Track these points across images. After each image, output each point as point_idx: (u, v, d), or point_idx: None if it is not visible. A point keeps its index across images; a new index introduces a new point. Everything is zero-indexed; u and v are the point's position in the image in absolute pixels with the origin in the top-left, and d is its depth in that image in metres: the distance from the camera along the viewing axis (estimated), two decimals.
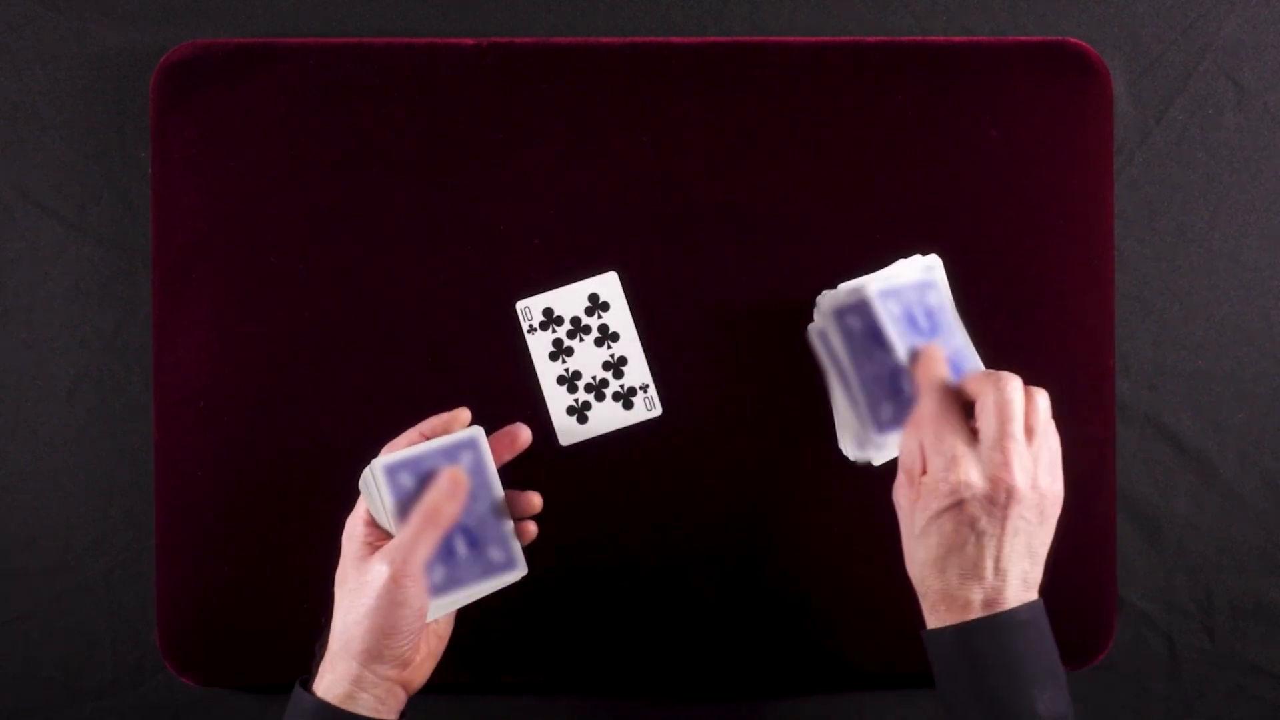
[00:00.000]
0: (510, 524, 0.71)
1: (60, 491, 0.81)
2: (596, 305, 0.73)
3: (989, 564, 0.64)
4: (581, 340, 0.72)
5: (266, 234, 0.78)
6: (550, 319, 0.72)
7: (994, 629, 0.64)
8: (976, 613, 0.64)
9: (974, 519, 0.64)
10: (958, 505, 0.64)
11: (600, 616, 0.79)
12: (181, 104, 0.78)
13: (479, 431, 0.70)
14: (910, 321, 0.72)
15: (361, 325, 0.78)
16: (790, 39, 0.79)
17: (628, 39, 0.78)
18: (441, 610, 0.69)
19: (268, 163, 0.78)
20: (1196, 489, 0.82)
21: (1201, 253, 0.82)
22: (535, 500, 0.72)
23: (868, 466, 0.77)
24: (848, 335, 0.73)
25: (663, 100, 0.78)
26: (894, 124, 0.78)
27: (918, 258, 0.77)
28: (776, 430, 0.78)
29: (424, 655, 0.70)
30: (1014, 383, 0.66)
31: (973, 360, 0.74)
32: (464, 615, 0.79)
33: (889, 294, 0.72)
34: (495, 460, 0.70)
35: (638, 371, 0.77)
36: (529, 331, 0.71)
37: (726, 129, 0.78)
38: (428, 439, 0.70)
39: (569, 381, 0.73)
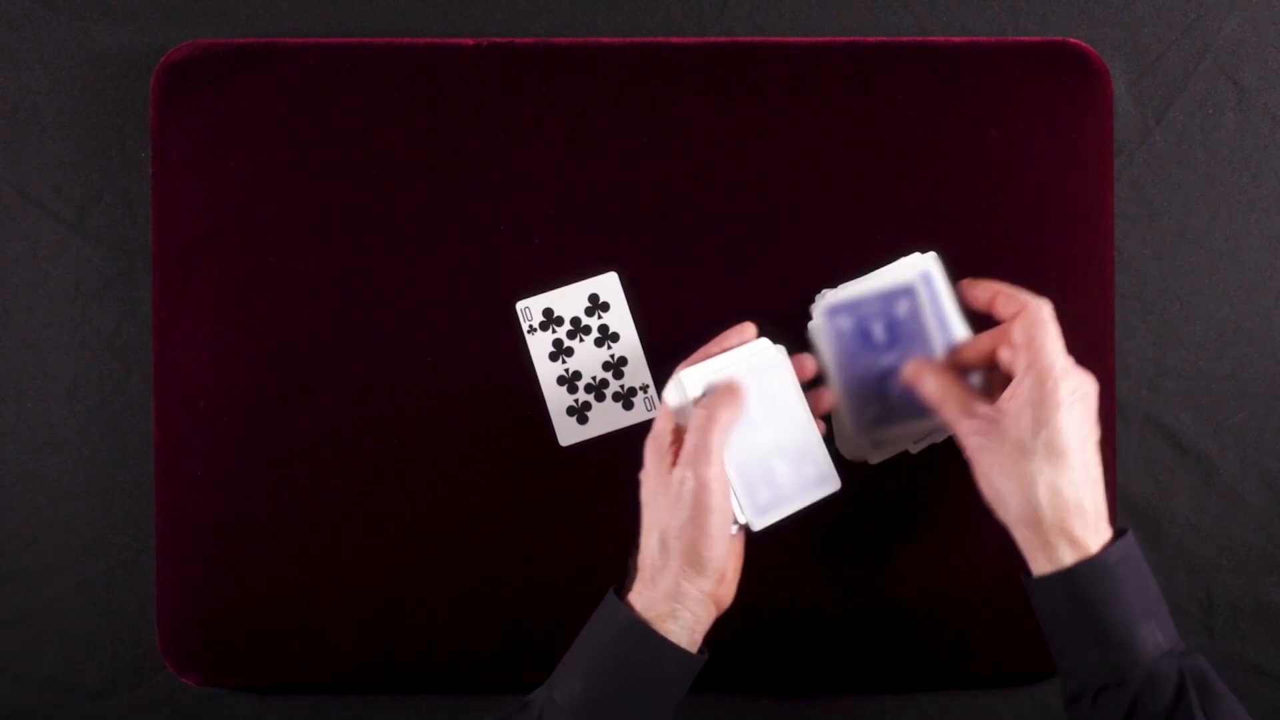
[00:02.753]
0: (820, 440, 0.71)
1: (60, 491, 0.81)
2: (596, 305, 0.73)
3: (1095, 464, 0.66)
4: (581, 340, 0.73)
5: (266, 234, 0.78)
6: (550, 319, 0.72)
7: (1102, 571, 0.64)
8: (1091, 534, 0.64)
9: (1087, 406, 0.65)
10: (1075, 398, 0.65)
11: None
12: (181, 104, 0.78)
13: (781, 351, 0.71)
14: (864, 337, 0.73)
15: (361, 325, 0.78)
16: (790, 39, 0.79)
17: (628, 39, 0.79)
18: (766, 523, 0.70)
19: (268, 163, 0.78)
20: (1196, 489, 0.82)
21: (1201, 253, 0.82)
22: (827, 399, 0.73)
23: (864, 465, 0.77)
24: (838, 335, 0.74)
25: (663, 100, 0.78)
26: (894, 124, 0.78)
27: (915, 256, 0.76)
28: None
29: (732, 572, 0.70)
30: (1046, 306, 0.67)
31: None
32: (469, 619, 0.79)
33: (840, 309, 0.73)
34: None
35: (638, 371, 0.77)
36: (529, 332, 0.71)
37: (727, 129, 0.78)
38: (724, 348, 0.71)
39: (569, 382, 0.73)
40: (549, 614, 0.78)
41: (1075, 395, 0.65)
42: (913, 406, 0.73)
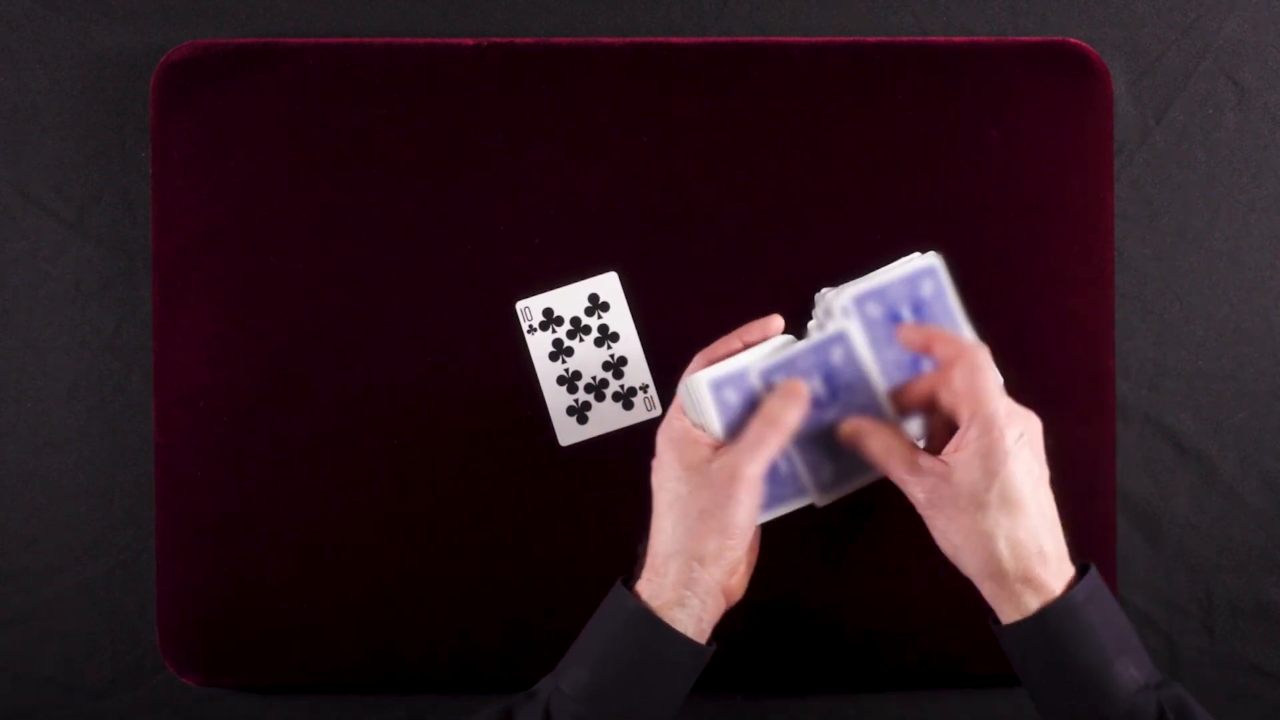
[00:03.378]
0: (890, 413, 0.70)
1: (60, 491, 0.81)
2: (596, 305, 0.73)
3: (1048, 507, 0.65)
4: (581, 340, 0.73)
5: (266, 234, 0.78)
6: (550, 319, 0.72)
7: (1071, 610, 0.63)
8: (1052, 574, 0.64)
9: (1034, 448, 0.65)
10: (1017, 441, 0.64)
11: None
12: (181, 104, 0.78)
13: (851, 326, 0.70)
14: (895, 322, 0.71)
15: (361, 325, 0.78)
16: (790, 39, 0.79)
17: (628, 39, 0.79)
18: (828, 500, 0.70)
19: (268, 163, 0.78)
20: (1196, 489, 0.82)
21: (1201, 253, 0.82)
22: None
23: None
24: (869, 324, 0.72)
25: (663, 100, 0.78)
26: (894, 124, 0.78)
27: (915, 256, 0.76)
28: None
29: (746, 565, 0.70)
30: (982, 351, 0.66)
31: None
32: (469, 619, 0.79)
33: (868, 297, 0.71)
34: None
35: (638, 371, 0.77)
36: (529, 331, 0.71)
37: (727, 129, 0.78)
38: (745, 343, 0.70)
39: (569, 381, 0.73)
40: (549, 614, 0.78)
41: (1021, 441, 0.64)
42: None
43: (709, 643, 0.68)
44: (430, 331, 0.78)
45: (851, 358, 0.70)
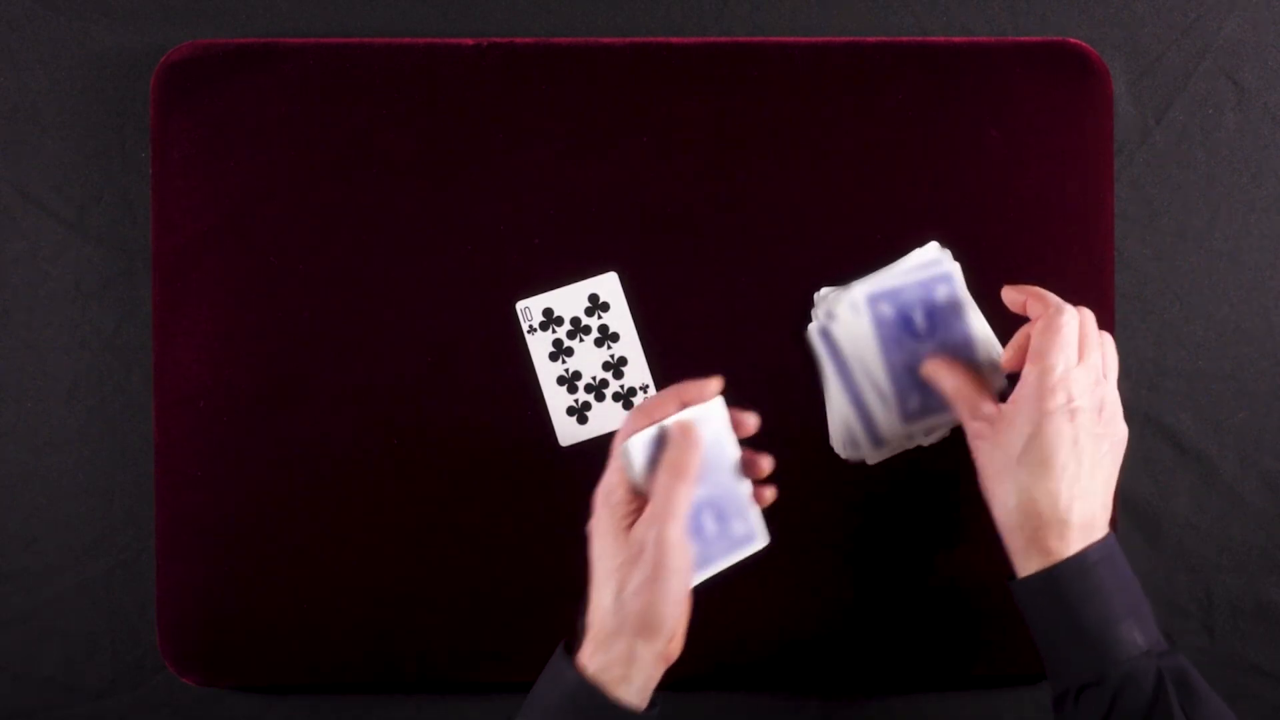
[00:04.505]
0: (751, 495, 0.71)
1: (60, 491, 0.81)
2: (596, 306, 0.73)
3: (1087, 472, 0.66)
4: (581, 340, 0.72)
5: (266, 234, 0.78)
6: (550, 319, 0.72)
7: (1081, 570, 0.64)
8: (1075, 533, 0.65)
9: (1088, 417, 0.66)
10: (1061, 410, 0.65)
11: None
12: (181, 104, 0.78)
13: (720, 403, 0.70)
14: (906, 325, 0.73)
15: (361, 325, 0.78)
16: (790, 39, 0.79)
17: (628, 39, 0.79)
18: (695, 581, 0.69)
19: (268, 163, 0.78)
20: (1196, 489, 0.82)
21: (1201, 253, 0.82)
22: (767, 464, 0.71)
23: (861, 464, 0.77)
24: (879, 321, 0.73)
25: (663, 100, 0.78)
26: (894, 124, 0.78)
27: (933, 245, 0.76)
28: (777, 429, 0.78)
29: (682, 629, 0.70)
30: (1067, 312, 0.68)
31: (984, 355, 0.74)
32: (469, 619, 0.79)
33: (881, 296, 0.73)
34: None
35: (638, 371, 0.77)
36: (529, 332, 0.71)
37: (727, 129, 0.78)
38: (684, 402, 0.69)
39: (569, 382, 0.73)
40: (549, 614, 0.78)
41: (1066, 405, 0.65)
42: None
43: (652, 703, 0.67)
44: (430, 331, 0.78)
45: (954, 297, 0.73)
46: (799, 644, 0.79)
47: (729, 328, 0.78)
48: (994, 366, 0.76)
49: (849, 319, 0.74)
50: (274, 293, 0.78)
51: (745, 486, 0.71)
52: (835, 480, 0.78)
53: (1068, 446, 0.65)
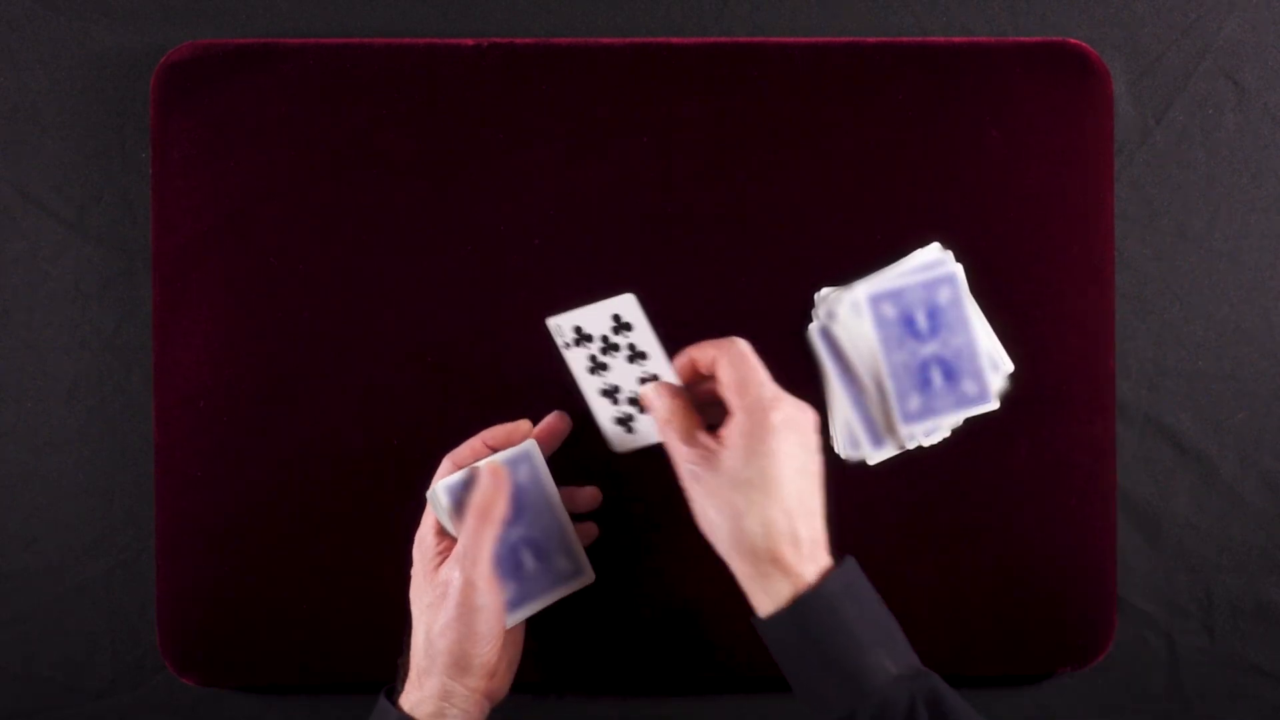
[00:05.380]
0: (572, 532, 0.72)
1: (60, 491, 0.81)
2: (620, 325, 0.72)
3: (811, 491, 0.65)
4: (613, 356, 0.72)
5: (266, 234, 0.78)
6: (581, 335, 0.72)
7: (823, 602, 0.63)
8: (805, 564, 0.64)
9: (802, 437, 0.65)
10: (787, 424, 0.65)
11: (606, 616, 0.79)
12: (181, 104, 0.78)
13: (532, 444, 0.72)
14: (908, 325, 0.73)
15: (361, 325, 0.78)
16: (790, 39, 0.79)
17: (628, 39, 0.79)
18: (515, 621, 0.70)
19: (268, 163, 0.78)
20: (1196, 489, 0.82)
21: (1201, 253, 0.82)
22: (593, 494, 0.74)
23: (861, 465, 0.77)
24: (881, 323, 0.73)
25: (663, 101, 0.78)
26: (894, 124, 0.78)
27: (935, 246, 0.77)
28: None
29: (506, 664, 0.71)
30: (740, 343, 0.67)
31: (986, 357, 0.74)
32: None
33: (883, 296, 0.73)
34: (544, 455, 0.72)
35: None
36: (564, 347, 0.71)
37: (727, 129, 0.78)
38: (490, 447, 0.71)
39: (610, 395, 0.73)
40: (548, 614, 0.78)
41: (788, 424, 0.65)
42: (955, 398, 0.73)
43: None
44: (430, 331, 0.78)
45: (956, 298, 0.73)
46: None
47: (729, 327, 0.78)
48: (994, 366, 0.76)
49: (850, 319, 0.74)
50: (274, 293, 0.78)
51: (567, 523, 0.72)
52: (835, 480, 0.78)
53: (794, 465, 0.65)
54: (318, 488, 0.78)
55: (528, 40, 0.78)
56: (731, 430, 0.65)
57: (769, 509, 0.64)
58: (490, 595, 0.66)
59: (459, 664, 0.66)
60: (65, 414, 0.81)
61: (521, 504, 0.71)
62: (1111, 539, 0.79)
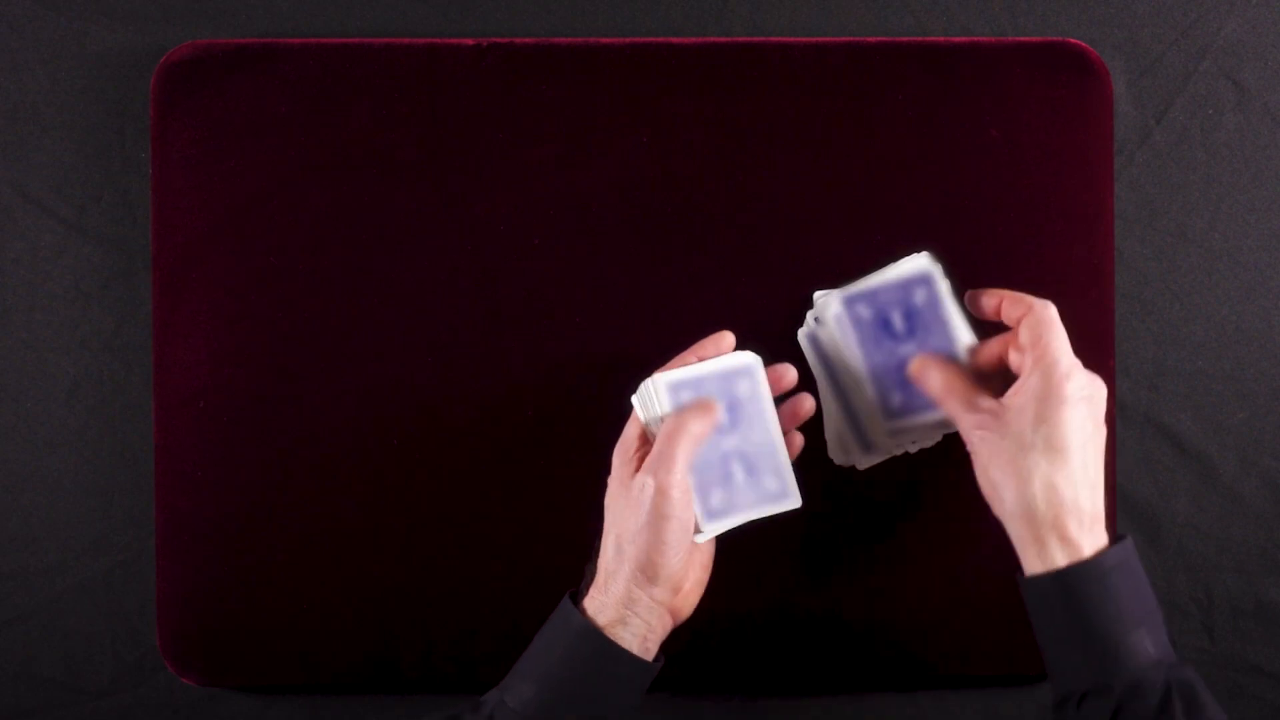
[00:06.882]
0: (785, 455, 0.71)
1: (60, 491, 0.81)
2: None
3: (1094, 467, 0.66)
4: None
5: (266, 234, 0.78)
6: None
7: (1096, 575, 0.63)
8: (1084, 535, 0.64)
9: (1093, 409, 0.66)
10: (1082, 399, 0.65)
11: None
12: (181, 104, 0.78)
13: (754, 358, 0.71)
14: (884, 326, 0.73)
15: (361, 325, 0.78)
16: (790, 39, 0.79)
17: (628, 39, 0.79)
18: (716, 530, 0.69)
19: (268, 163, 0.78)
20: (1196, 489, 0.82)
21: (1201, 253, 0.82)
22: (807, 404, 0.73)
23: (851, 470, 0.76)
24: (857, 323, 0.73)
25: (663, 100, 0.78)
26: (894, 124, 0.78)
27: (924, 255, 0.76)
28: None
29: (692, 583, 0.70)
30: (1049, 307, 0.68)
31: (965, 353, 0.74)
32: (469, 619, 0.79)
33: (859, 298, 0.73)
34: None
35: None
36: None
37: (726, 129, 0.78)
38: (700, 358, 0.71)
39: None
40: (549, 615, 0.78)
41: (1080, 394, 0.65)
42: (925, 402, 0.73)
43: (656, 658, 0.68)
44: (429, 331, 0.78)
45: (934, 301, 0.72)
46: (799, 644, 0.79)
47: (728, 327, 0.78)
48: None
49: (832, 323, 0.74)
50: (274, 293, 0.78)
51: (781, 446, 0.71)
52: (835, 480, 0.78)
53: (1082, 434, 0.65)
54: (318, 487, 0.78)
55: (528, 40, 0.78)
56: (1023, 392, 0.65)
57: (1054, 475, 0.64)
58: (682, 506, 0.66)
59: (646, 571, 0.66)
60: (65, 414, 0.81)
61: (737, 417, 0.70)
62: (1112, 539, 0.79)
